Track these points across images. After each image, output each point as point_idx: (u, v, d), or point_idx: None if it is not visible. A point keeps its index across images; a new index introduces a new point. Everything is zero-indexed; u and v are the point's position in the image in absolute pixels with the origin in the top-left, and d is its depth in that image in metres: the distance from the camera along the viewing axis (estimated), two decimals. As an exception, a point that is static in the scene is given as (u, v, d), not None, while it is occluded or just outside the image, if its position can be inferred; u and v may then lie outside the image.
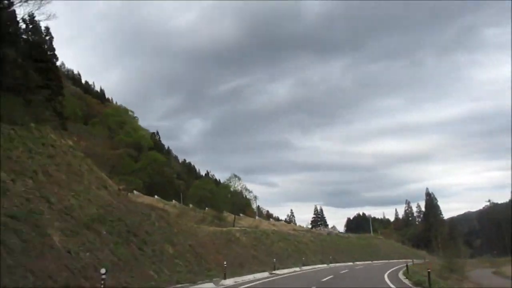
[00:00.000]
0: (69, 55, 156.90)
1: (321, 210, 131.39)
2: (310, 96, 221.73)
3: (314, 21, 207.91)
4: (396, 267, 31.66)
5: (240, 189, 43.55)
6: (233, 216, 54.52)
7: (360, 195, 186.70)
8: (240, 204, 51.27)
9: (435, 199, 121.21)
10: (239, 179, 43.85)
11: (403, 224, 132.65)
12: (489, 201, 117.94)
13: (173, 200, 55.52)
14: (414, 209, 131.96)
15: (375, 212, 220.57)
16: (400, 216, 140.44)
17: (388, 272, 26.30)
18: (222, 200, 43.16)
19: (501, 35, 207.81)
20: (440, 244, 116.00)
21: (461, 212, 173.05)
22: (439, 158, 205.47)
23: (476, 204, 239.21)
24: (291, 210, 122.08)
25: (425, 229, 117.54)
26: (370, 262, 48.37)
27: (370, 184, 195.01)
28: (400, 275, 22.71)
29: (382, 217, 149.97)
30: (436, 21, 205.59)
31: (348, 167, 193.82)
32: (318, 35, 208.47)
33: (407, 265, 26.86)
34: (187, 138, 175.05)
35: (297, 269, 30.32)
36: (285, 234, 43.43)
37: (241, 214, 64.44)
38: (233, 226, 41.77)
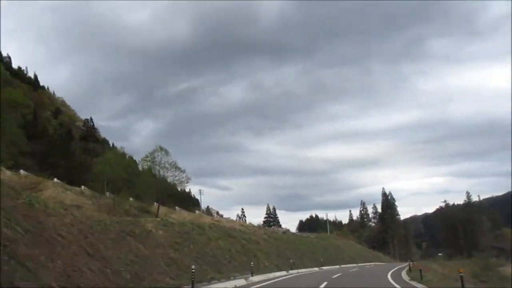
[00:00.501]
0: (12, 47, 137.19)
1: (274, 209, 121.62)
2: (263, 99, 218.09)
3: (269, 26, 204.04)
4: (391, 272, 21.09)
5: (168, 166, 30.94)
6: (164, 208, 41.87)
7: (311, 199, 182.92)
8: (170, 191, 38.68)
9: (393, 199, 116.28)
10: (167, 153, 31.22)
11: (358, 226, 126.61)
12: (444, 201, 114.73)
13: (82, 186, 41.43)
14: (370, 210, 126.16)
15: (326, 217, 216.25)
16: (355, 218, 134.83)
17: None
18: (144, 184, 30.21)
19: (445, 46, 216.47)
20: (397, 245, 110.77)
21: (407, 216, 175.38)
22: (387, 164, 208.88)
23: (421, 208, 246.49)
24: (242, 209, 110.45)
25: (382, 230, 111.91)
26: (338, 267, 37.87)
27: (321, 188, 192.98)
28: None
29: (334, 219, 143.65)
30: (385, 31, 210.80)
31: (299, 171, 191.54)
32: (273, 39, 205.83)
33: (410, 267, 16.33)
34: (138, 139, 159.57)
35: (242, 282, 18.44)
36: (229, 229, 31.51)
37: (177, 208, 51.60)
38: (157, 217, 29.10)
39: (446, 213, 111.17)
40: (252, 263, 21.38)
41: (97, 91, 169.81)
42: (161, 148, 31.10)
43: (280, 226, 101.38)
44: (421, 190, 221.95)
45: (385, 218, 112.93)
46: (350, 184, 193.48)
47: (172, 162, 31.09)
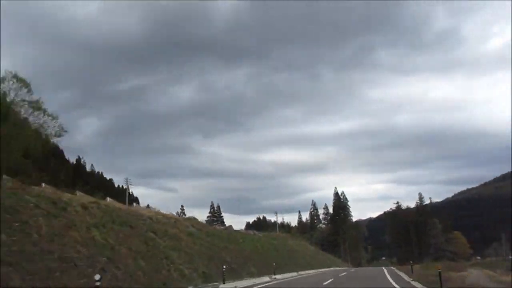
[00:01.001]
0: None
1: (218, 207, 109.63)
2: (213, 101, 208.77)
3: (221, 27, 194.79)
4: None
5: (27, 106, 18.10)
6: (47, 188, 28.53)
7: (258, 203, 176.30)
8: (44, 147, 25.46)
9: (346, 199, 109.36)
10: (27, 86, 18.32)
11: (308, 228, 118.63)
12: (397, 203, 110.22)
13: None
14: (321, 211, 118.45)
15: (274, 219, 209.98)
16: (304, 220, 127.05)
17: None
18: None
19: (392, 57, 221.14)
20: (348, 248, 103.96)
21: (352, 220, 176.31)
22: (334, 170, 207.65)
23: (365, 213, 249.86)
24: (182, 206, 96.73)
25: (333, 232, 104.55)
26: (296, 274, 27.15)
27: (269, 192, 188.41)
28: None
29: (282, 221, 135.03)
30: (335, 38, 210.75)
31: (247, 174, 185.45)
32: (225, 41, 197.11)
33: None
34: (81, 137, 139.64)
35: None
36: (127, 214, 19.37)
37: (78, 193, 37.85)
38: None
39: (398, 215, 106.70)
40: (139, 272, 9.33)
41: (37, 83, 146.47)
42: (18, 78, 18.29)
43: (224, 225, 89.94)
44: (364, 196, 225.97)
45: (336, 220, 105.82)
46: (298, 189, 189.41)
47: (37, 101, 18.45)
